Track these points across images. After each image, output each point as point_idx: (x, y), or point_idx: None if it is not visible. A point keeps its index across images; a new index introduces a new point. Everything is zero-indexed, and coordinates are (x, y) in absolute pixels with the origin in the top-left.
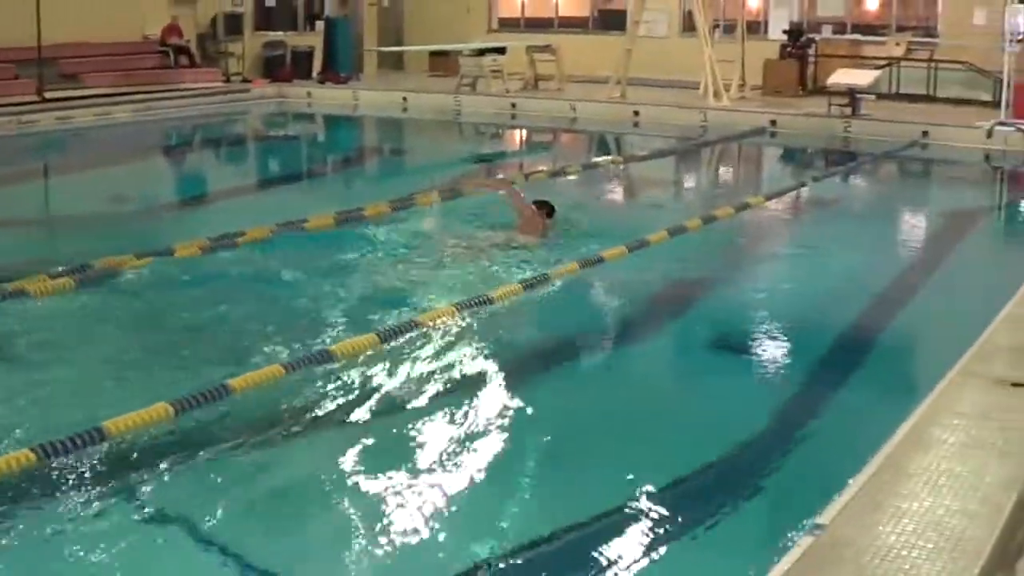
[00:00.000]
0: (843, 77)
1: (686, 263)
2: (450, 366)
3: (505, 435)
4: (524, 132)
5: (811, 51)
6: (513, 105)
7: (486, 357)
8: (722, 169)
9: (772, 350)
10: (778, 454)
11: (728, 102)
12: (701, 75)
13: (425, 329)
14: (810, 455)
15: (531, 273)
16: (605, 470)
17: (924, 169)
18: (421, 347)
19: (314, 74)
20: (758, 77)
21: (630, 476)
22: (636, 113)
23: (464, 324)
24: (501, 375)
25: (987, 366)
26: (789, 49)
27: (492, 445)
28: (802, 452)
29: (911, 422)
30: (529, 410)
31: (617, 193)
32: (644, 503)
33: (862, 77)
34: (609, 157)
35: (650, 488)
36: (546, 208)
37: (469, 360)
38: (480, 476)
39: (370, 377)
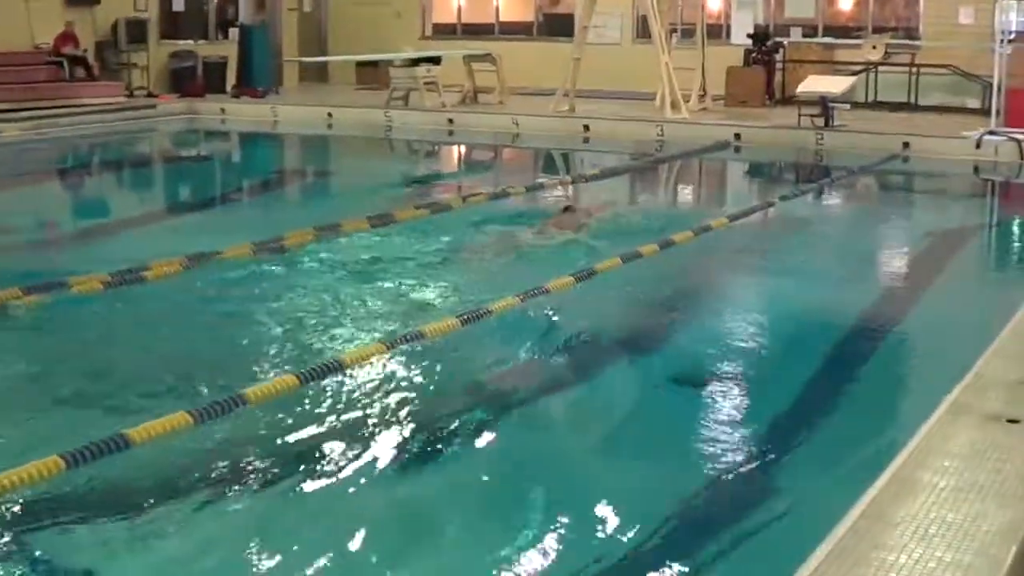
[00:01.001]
0: (814, 85)
1: (638, 293)
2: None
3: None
4: (462, 150)
5: (779, 57)
6: (450, 120)
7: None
8: (681, 188)
9: (736, 389)
10: (748, 502)
11: (687, 114)
12: (657, 85)
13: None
14: (783, 503)
15: (469, 307)
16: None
17: (906, 184)
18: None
19: (228, 88)
20: (720, 86)
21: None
22: (586, 128)
23: (387, 366)
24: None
25: (980, 401)
26: (754, 55)
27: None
28: (774, 500)
29: (896, 464)
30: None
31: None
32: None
33: (835, 84)
34: (556, 177)
35: (609, 543)
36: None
37: (393, 406)
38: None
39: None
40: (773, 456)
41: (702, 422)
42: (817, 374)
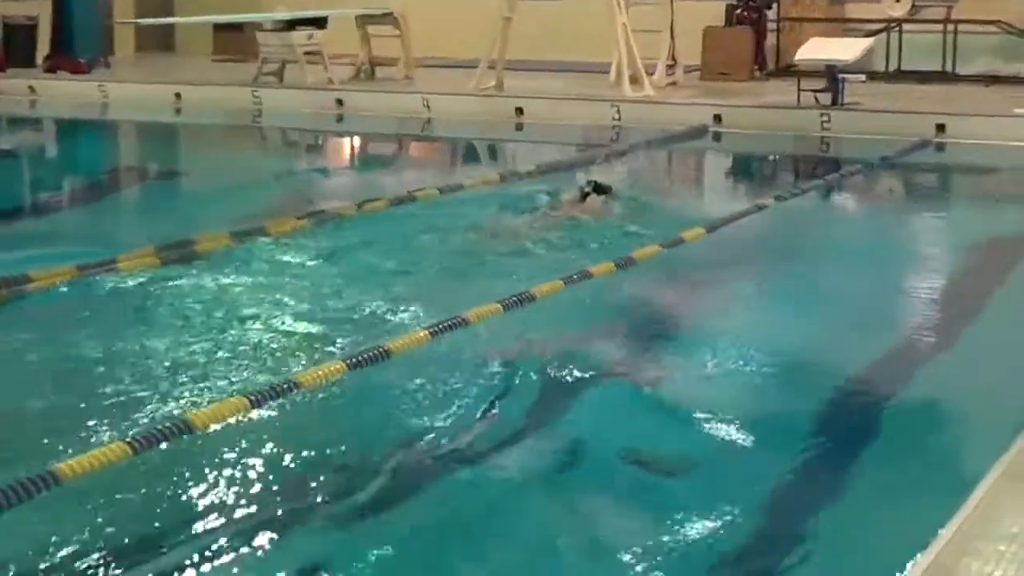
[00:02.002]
0: (818, 50)
1: (586, 326)
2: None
3: None
4: (356, 141)
5: (771, 14)
6: (339, 102)
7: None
8: (644, 189)
9: (725, 448)
10: None
11: (652, 91)
12: (612, 53)
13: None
14: None
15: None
16: None
17: (941, 181)
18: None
19: (39, 59)
20: (695, 54)
21: None
22: (519, 111)
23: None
24: None
25: None
26: (739, 11)
27: None
28: None
29: (936, 549)
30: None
31: (491, 227)
32: None
33: (846, 49)
34: (483, 177)
35: None
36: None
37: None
38: None
39: None
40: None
41: (670, 517)
42: (826, 440)
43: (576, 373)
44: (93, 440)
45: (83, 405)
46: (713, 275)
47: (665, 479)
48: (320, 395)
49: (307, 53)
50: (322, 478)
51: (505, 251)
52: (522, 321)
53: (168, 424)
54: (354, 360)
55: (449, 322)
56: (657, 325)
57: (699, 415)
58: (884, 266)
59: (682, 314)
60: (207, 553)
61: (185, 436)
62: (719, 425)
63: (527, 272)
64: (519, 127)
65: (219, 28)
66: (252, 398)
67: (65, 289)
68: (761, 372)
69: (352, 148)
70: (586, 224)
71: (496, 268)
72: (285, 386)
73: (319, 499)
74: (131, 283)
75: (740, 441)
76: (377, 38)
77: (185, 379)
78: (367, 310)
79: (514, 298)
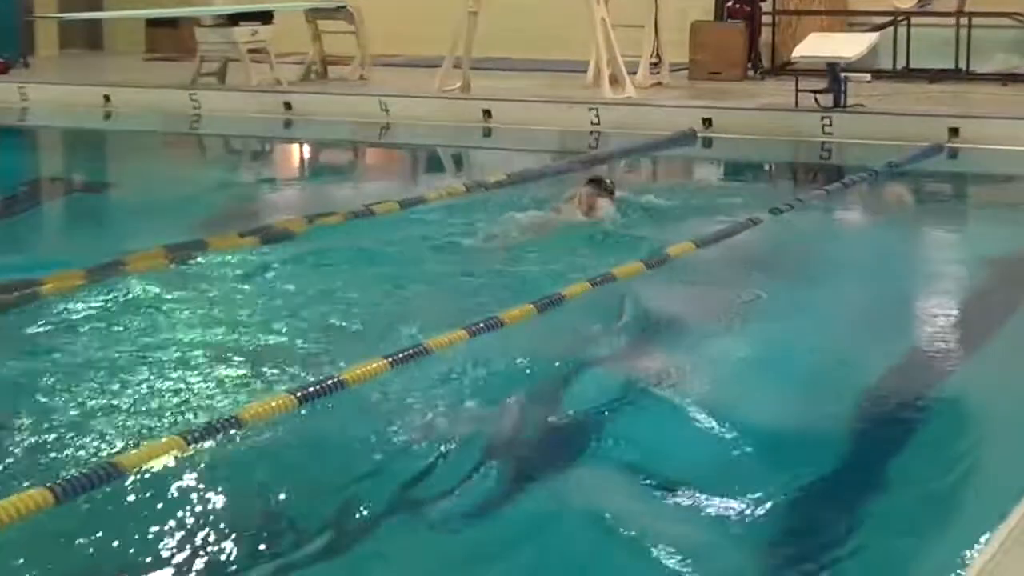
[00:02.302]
0: (818, 47)
1: (560, 354)
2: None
3: None
4: (306, 149)
5: (766, 6)
6: (287, 105)
7: None
8: (625, 200)
9: (728, 492)
10: None
11: (634, 92)
12: (590, 51)
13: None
14: None
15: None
16: None
17: (955, 191)
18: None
19: None
20: (682, 51)
21: None
22: (487, 114)
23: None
24: None
25: None
26: (731, 4)
27: None
28: None
29: None
30: None
31: (459, 243)
32: None
33: (849, 45)
34: (447, 188)
35: None
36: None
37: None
38: None
39: None
40: None
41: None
42: (820, 490)
43: (546, 408)
44: (6, 488)
45: None
46: (701, 296)
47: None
48: (266, 432)
49: (251, 51)
50: (267, 526)
51: (476, 267)
52: (492, 347)
53: (94, 469)
54: (305, 392)
55: (410, 350)
56: (630, 356)
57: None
58: (892, 287)
59: (658, 344)
60: None
61: (113, 480)
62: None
63: (495, 292)
64: (487, 132)
65: (152, 24)
66: (188, 437)
67: None
68: (754, 401)
69: (302, 156)
70: (582, 230)
71: (463, 287)
72: (226, 423)
73: (261, 550)
74: (54, 308)
75: (741, 484)
76: (329, 34)
77: (110, 416)
78: (319, 336)
79: (481, 323)
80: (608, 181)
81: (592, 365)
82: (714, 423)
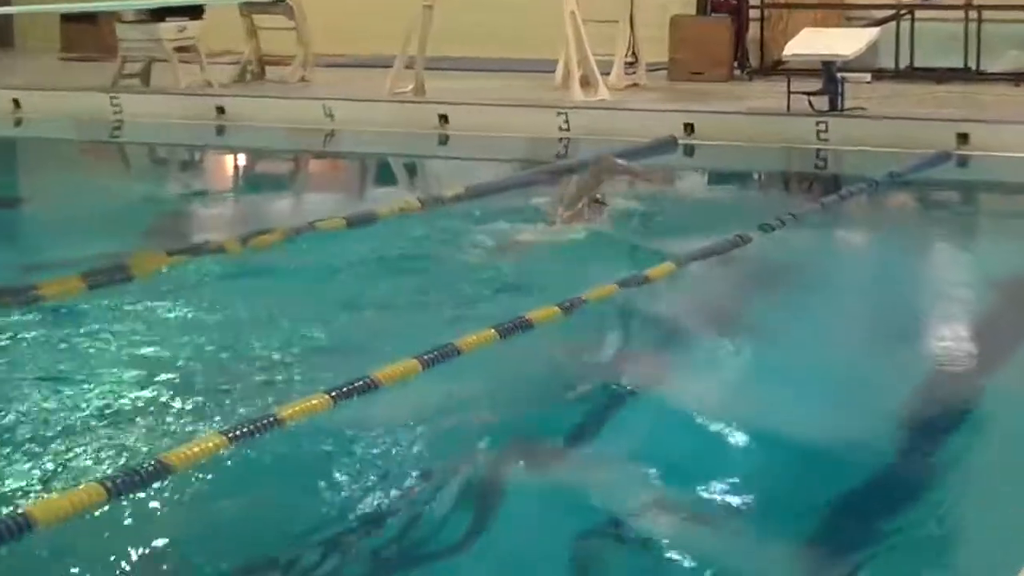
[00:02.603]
0: (812, 44)
1: (520, 393)
2: None
3: None
4: (241, 159)
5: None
6: (220, 110)
7: None
8: (597, 215)
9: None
10: None
11: (607, 94)
12: (558, 49)
13: None
14: None
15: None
16: None
17: (964, 203)
18: None
19: None
20: (661, 48)
21: None
22: (443, 119)
23: None
24: None
25: None
26: None
27: None
28: None
29: None
30: None
31: (409, 263)
32: None
33: (846, 42)
34: (400, 202)
35: None
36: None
37: None
38: None
39: None
40: None
41: None
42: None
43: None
44: None
45: None
46: (681, 323)
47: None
48: (196, 475)
49: (178, 49)
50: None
51: (434, 288)
52: (449, 376)
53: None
54: (238, 431)
55: (357, 383)
56: (603, 393)
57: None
58: (896, 312)
59: (630, 380)
60: None
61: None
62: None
63: (454, 315)
64: (443, 140)
65: (68, 19)
66: (108, 485)
67: None
68: (744, 445)
69: (236, 167)
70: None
71: (416, 312)
72: (152, 468)
73: None
74: None
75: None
76: (267, 31)
77: (11, 462)
78: (253, 370)
79: (436, 353)
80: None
81: (541, 404)
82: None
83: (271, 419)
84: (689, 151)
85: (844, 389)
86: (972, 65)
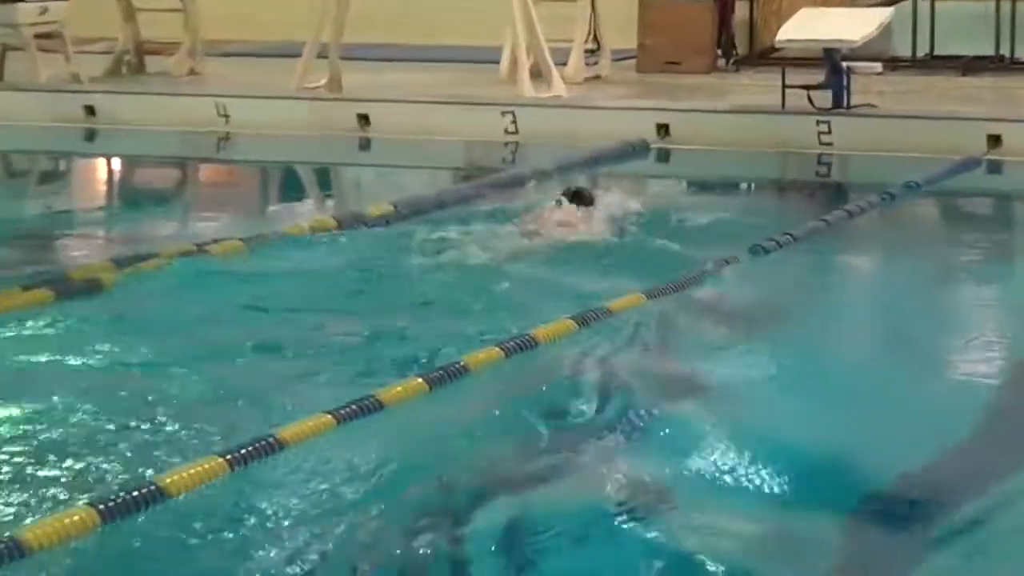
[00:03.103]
0: (811, 27)
1: (449, 457)
2: None
3: None
4: (115, 168)
5: None
6: (90, 109)
7: None
8: (549, 234)
9: None
10: None
11: (563, 90)
12: (504, 36)
13: None
14: None
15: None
16: None
17: (998, 217)
18: None
19: None
20: (629, 33)
21: None
22: (364, 120)
23: None
24: None
25: None
26: None
27: None
28: None
29: None
30: None
31: (320, 295)
32: None
33: (852, 25)
34: (312, 221)
35: None
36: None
37: None
38: None
39: None
40: None
41: None
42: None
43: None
44: None
45: None
46: (653, 364)
47: None
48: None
49: (39, 36)
50: None
51: (347, 329)
52: (368, 433)
53: None
54: (109, 504)
55: (254, 445)
56: (552, 453)
57: None
58: (918, 351)
59: (612, 420)
60: None
61: None
62: None
63: (367, 364)
64: (365, 144)
65: None
66: None
67: None
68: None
69: (111, 179)
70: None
71: (322, 358)
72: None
73: None
74: None
75: None
76: (148, 13)
77: None
78: (125, 424)
79: (354, 406)
80: (587, 192)
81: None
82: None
83: (147, 490)
84: (663, 157)
85: (843, 418)
86: (1004, 53)
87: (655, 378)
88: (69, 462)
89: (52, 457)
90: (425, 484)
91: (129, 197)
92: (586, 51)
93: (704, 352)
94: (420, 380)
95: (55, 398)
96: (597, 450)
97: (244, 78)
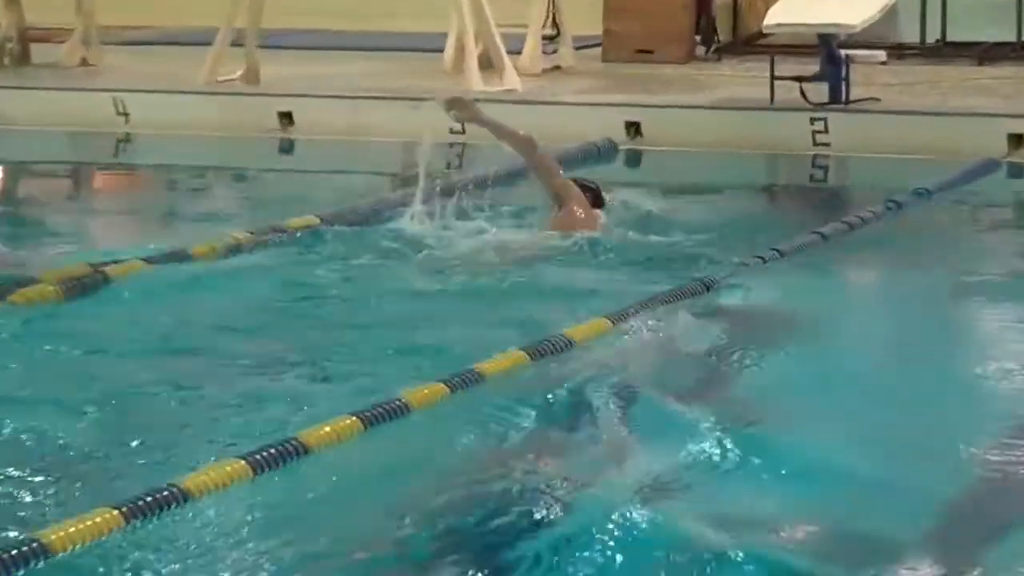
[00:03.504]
0: (804, 9)
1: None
2: None
3: None
4: None
5: None
6: None
7: None
8: (498, 249)
9: None
10: None
11: (518, 83)
12: (449, 21)
13: None
14: None
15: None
16: None
17: (1018, 226)
18: None
19: None
20: (594, 18)
21: None
22: (287, 118)
23: None
24: None
25: None
26: None
27: None
28: None
29: None
30: None
31: (234, 320)
32: None
33: (851, 8)
34: (224, 236)
35: None
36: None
37: None
38: None
39: None
40: None
41: None
42: None
43: None
44: None
45: None
46: (621, 397)
47: None
48: None
49: None
50: None
51: (264, 356)
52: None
53: None
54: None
55: (160, 493)
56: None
57: None
58: (932, 389)
59: (570, 464)
60: None
61: None
62: None
63: (289, 404)
64: (287, 147)
65: None
66: None
67: None
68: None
69: None
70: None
71: (231, 388)
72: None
73: None
74: None
75: None
76: None
77: None
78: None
79: (273, 450)
80: (592, 184)
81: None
82: None
83: (35, 547)
84: (634, 159)
85: (846, 465)
86: None
87: (658, 384)
88: None
89: None
90: (428, 485)
91: (12, 211)
92: (544, 38)
93: (681, 376)
94: (355, 419)
95: None
96: (596, 451)
97: (146, 70)
